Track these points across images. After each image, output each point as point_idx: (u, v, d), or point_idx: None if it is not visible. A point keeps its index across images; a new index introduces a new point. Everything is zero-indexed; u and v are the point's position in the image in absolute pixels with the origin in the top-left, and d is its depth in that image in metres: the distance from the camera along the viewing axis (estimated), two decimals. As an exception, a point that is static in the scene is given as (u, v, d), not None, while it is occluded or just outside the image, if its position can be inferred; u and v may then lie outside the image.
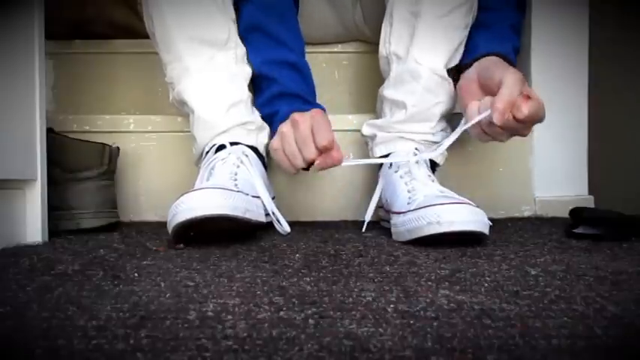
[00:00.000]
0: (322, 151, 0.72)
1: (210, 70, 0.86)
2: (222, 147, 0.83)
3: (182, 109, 0.89)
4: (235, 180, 0.75)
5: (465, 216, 0.66)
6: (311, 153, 0.72)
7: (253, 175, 0.79)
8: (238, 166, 0.80)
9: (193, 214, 0.63)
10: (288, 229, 0.78)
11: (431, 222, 0.66)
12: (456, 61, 0.84)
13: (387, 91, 0.88)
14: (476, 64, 0.80)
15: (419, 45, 0.83)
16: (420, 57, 0.83)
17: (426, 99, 0.83)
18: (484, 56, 0.81)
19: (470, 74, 0.80)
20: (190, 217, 0.64)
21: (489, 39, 0.84)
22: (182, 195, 0.67)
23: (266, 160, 0.92)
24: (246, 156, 0.83)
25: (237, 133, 0.85)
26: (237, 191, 0.70)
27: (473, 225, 0.66)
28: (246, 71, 0.89)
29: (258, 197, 0.76)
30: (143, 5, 0.87)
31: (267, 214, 0.77)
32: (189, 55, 0.84)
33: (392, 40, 0.86)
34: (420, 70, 0.83)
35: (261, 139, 0.89)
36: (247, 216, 0.68)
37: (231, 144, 0.84)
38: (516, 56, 0.87)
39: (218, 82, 0.86)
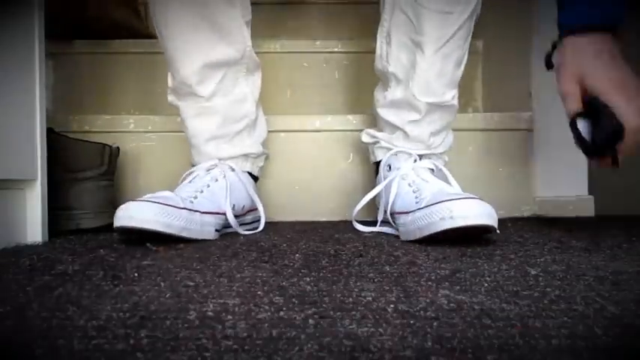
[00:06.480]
0: None
1: (219, 96, 0.83)
2: None
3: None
4: (197, 197, 0.77)
5: (477, 210, 0.66)
6: None
7: (228, 191, 0.81)
8: (217, 180, 0.82)
9: (127, 223, 0.69)
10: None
11: (444, 217, 0.66)
12: (460, 74, 0.82)
13: (383, 110, 0.87)
14: (567, 43, 0.72)
15: (419, 81, 0.80)
16: (421, 93, 0.81)
17: (423, 126, 0.83)
18: (569, 33, 0.72)
19: (561, 54, 0.73)
20: (123, 225, 0.70)
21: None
22: (130, 201, 0.71)
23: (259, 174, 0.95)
24: (232, 170, 0.85)
25: (235, 161, 0.87)
26: (182, 208, 0.73)
27: (486, 218, 0.66)
28: (257, 84, 0.88)
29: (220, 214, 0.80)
30: (152, 19, 0.81)
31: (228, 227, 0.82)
32: (199, 83, 0.81)
33: (390, 62, 0.84)
34: (420, 105, 0.82)
35: (257, 163, 0.91)
36: (183, 234, 0.72)
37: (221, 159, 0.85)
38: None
39: (223, 113, 0.84)
